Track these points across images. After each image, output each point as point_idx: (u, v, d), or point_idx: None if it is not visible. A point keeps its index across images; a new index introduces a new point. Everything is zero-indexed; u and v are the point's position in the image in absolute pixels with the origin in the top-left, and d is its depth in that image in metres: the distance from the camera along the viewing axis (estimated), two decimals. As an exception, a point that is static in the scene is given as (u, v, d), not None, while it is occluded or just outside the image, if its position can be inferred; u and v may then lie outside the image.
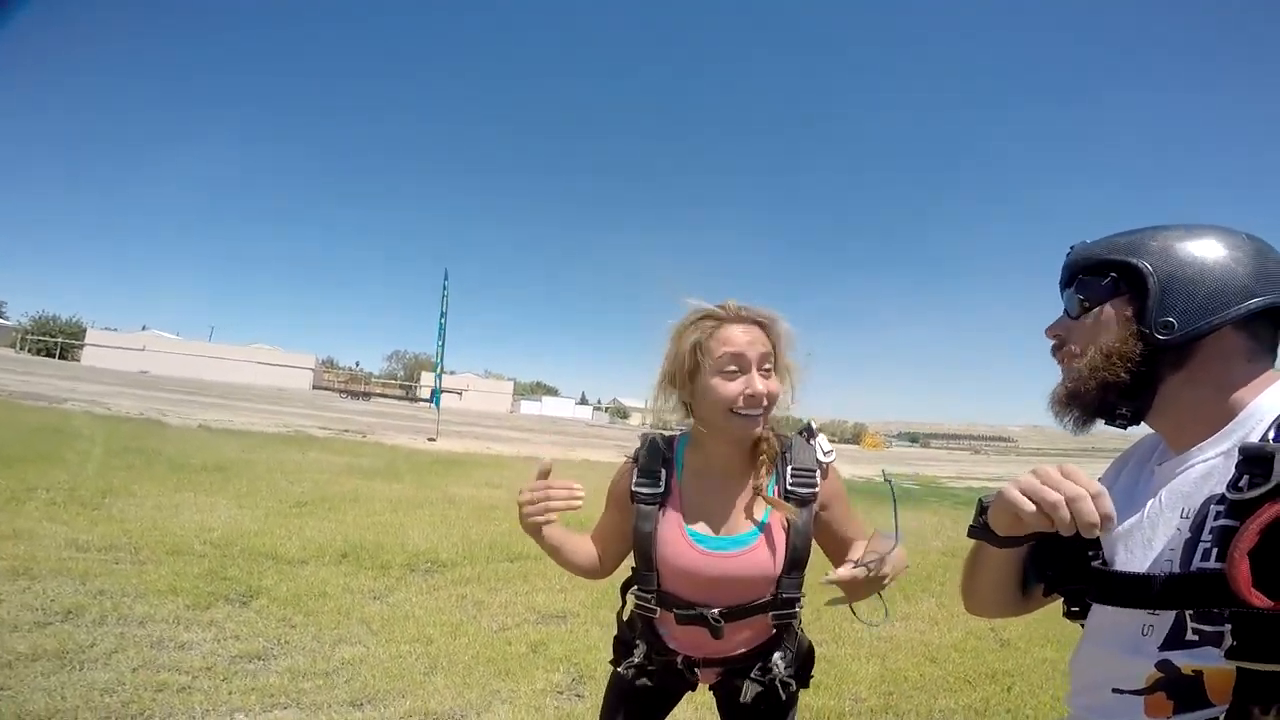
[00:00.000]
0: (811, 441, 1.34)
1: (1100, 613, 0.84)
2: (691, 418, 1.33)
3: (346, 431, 16.30)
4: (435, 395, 19.30)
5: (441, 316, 17.56)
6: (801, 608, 1.33)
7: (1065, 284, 0.93)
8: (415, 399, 54.70)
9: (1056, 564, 0.89)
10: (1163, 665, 0.74)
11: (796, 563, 1.27)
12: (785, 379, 1.32)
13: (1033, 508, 0.74)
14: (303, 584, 4.06)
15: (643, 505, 1.30)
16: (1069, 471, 0.74)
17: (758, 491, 1.29)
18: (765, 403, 1.24)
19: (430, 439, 16.65)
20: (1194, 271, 0.80)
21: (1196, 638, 0.71)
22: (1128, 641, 0.78)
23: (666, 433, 1.39)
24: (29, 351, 48.46)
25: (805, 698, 3.01)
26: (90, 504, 5.34)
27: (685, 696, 1.46)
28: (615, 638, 1.48)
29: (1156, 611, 0.75)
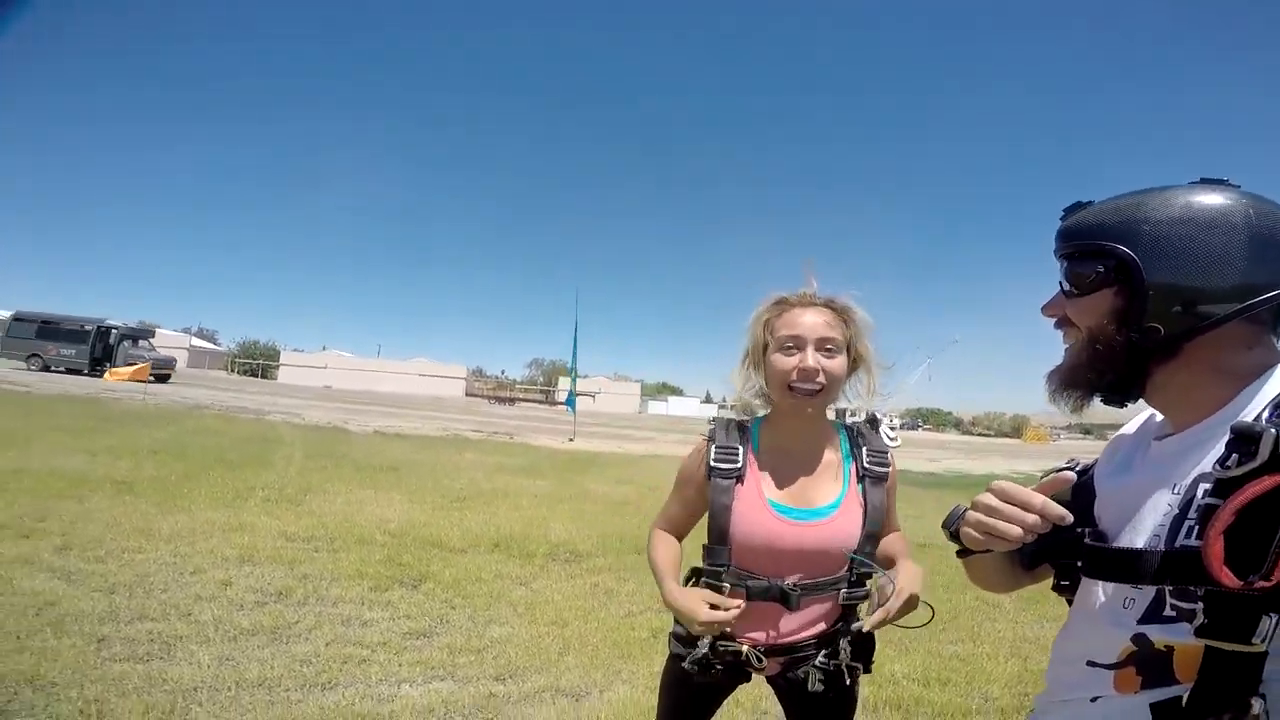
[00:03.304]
0: (878, 430, 1.46)
1: (1087, 587, 0.85)
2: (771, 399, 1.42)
3: (495, 434, 17.73)
4: (570, 400, 20.99)
5: (575, 331, 19.56)
6: (869, 592, 1.38)
7: (1058, 254, 0.88)
8: (553, 402, 57.54)
9: (1046, 539, 0.84)
10: (1138, 639, 0.74)
11: (871, 537, 1.34)
12: (861, 366, 1.40)
13: (986, 539, 0.82)
14: (462, 570, 4.60)
15: (720, 480, 1.34)
16: (1006, 493, 0.81)
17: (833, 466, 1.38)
18: (820, 380, 1.30)
19: (569, 439, 17.69)
20: (1189, 270, 0.75)
21: (1173, 613, 0.72)
22: (1109, 614, 0.78)
23: (741, 417, 1.45)
24: (237, 373, 56.56)
25: (928, 694, 3.04)
26: (295, 501, 6.34)
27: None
28: (671, 633, 1.49)
29: (1139, 585, 0.75)
